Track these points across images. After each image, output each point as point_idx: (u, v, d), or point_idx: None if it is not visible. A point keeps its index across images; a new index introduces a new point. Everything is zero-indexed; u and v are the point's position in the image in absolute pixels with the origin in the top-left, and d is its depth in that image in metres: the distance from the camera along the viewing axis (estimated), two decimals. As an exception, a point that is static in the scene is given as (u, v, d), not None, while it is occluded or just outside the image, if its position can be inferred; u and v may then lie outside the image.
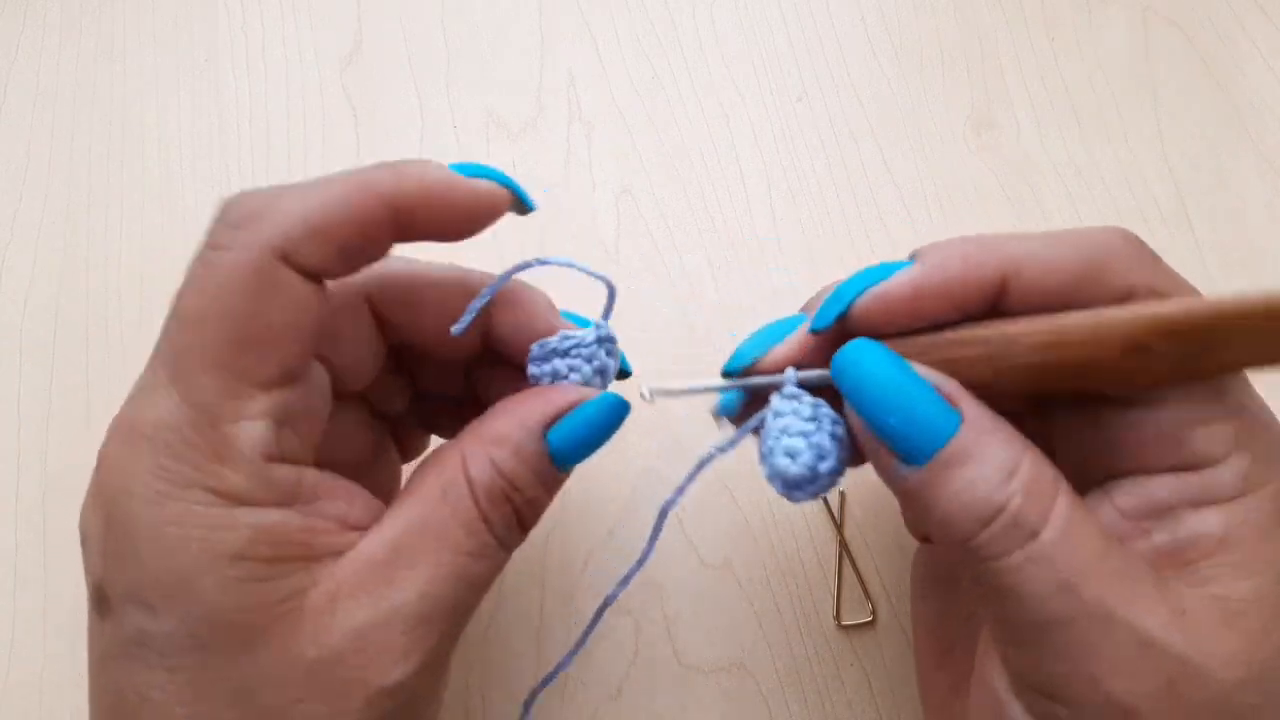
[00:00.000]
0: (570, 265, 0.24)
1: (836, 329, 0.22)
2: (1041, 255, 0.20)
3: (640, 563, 0.24)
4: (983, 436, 0.19)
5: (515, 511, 0.22)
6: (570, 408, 0.23)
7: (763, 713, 0.31)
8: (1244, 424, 0.20)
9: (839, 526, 0.33)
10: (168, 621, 0.19)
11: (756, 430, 0.23)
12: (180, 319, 0.20)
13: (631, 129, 0.40)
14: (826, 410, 0.22)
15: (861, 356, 0.21)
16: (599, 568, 0.33)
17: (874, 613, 0.32)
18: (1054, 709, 0.19)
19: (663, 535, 0.33)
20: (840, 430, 0.22)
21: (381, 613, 0.20)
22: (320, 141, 0.40)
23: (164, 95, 0.41)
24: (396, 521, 0.21)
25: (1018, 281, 0.20)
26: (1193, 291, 0.21)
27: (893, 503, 0.32)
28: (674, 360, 0.36)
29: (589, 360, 0.24)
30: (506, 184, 0.23)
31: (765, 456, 0.23)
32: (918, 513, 0.21)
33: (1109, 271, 0.20)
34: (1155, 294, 0.20)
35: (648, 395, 0.24)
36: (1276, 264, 0.36)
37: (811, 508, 0.33)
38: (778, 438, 0.22)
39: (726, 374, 0.24)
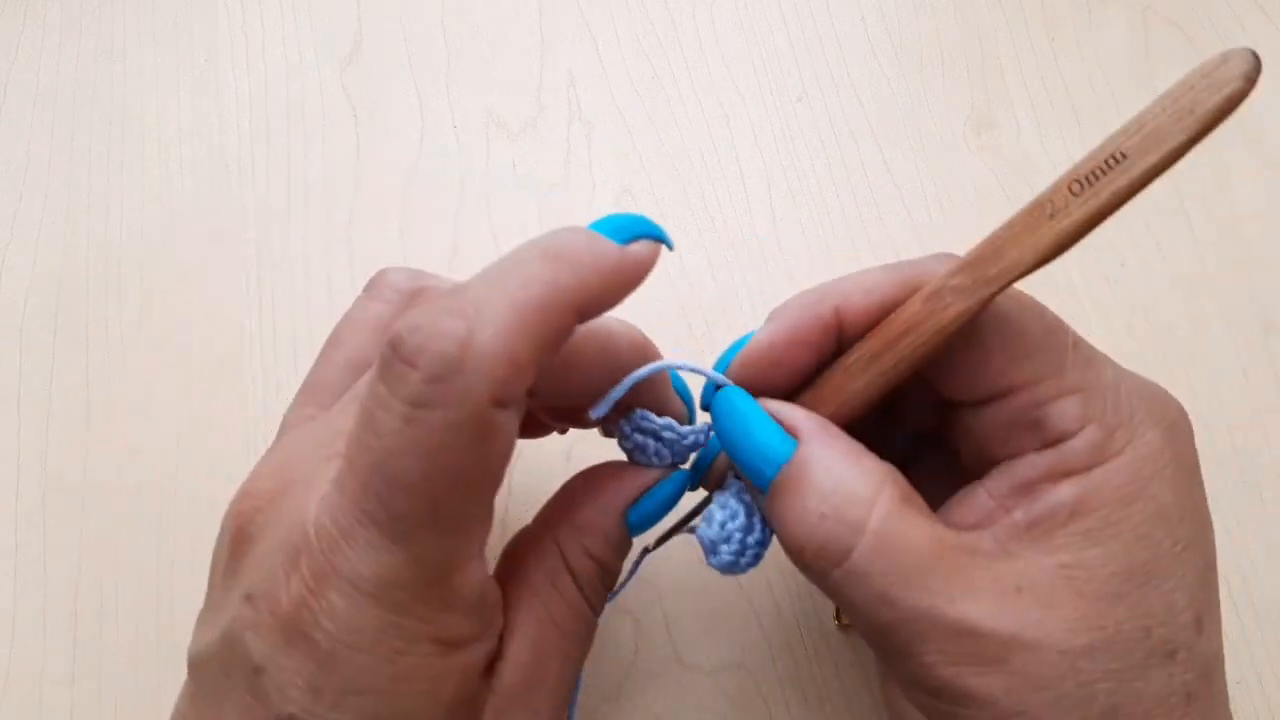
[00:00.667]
0: (721, 381, 0.24)
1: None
2: (865, 282, 0.23)
3: (612, 595, 0.26)
4: (809, 463, 0.21)
5: (607, 586, 0.25)
6: (648, 488, 0.25)
7: (763, 713, 0.31)
8: (1091, 397, 0.21)
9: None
10: None
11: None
12: (394, 482, 0.18)
13: (631, 129, 0.40)
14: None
15: (720, 399, 0.23)
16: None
17: (874, 613, 0.32)
18: (932, 702, 0.20)
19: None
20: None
21: (533, 713, 0.22)
22: (320, 141, 0.40)
23: (164, 95, 0.41)
24: (528, 621, 0.22)
25: (848, 310, 0.23)
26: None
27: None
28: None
29: (676, 454, 0.25)
30: (655, 235, 0.22)
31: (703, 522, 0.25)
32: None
33: (925, 284, 0.22)
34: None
35: (651, 548, 0.26)
36: (1277, 264, 0.36)
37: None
38: (712, 514, 0.24)
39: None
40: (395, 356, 0.18)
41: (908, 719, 0.21)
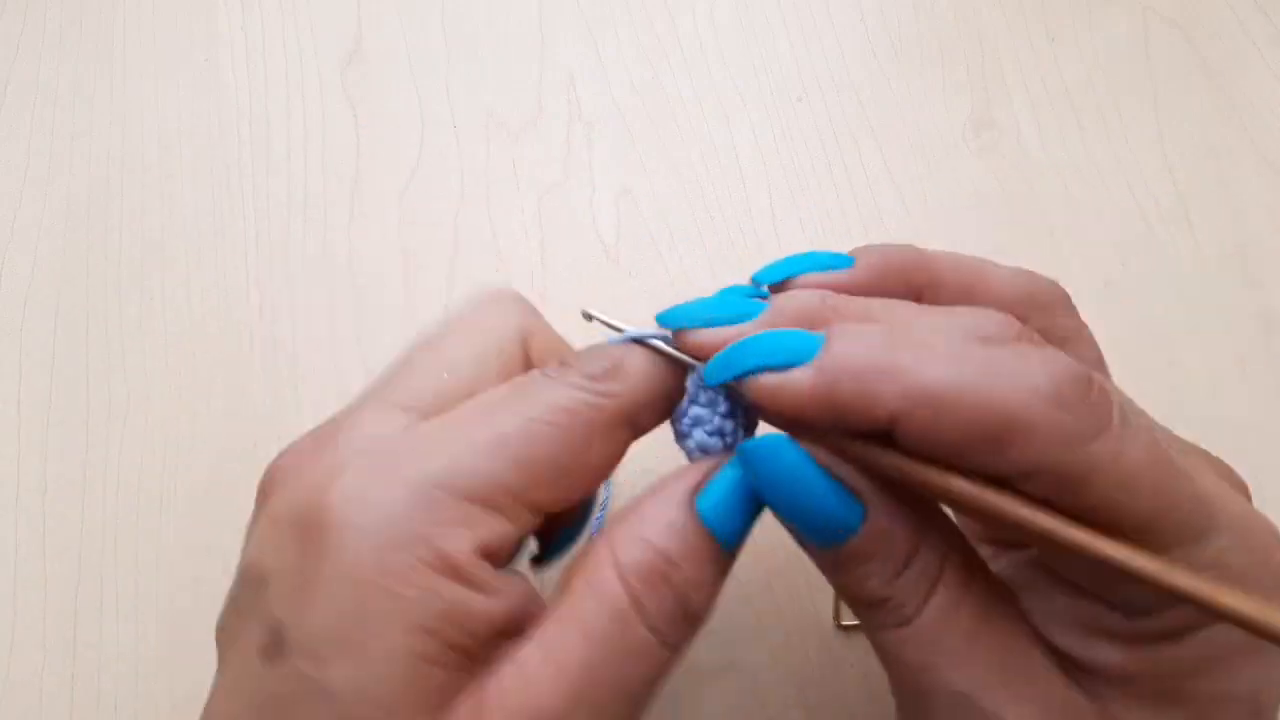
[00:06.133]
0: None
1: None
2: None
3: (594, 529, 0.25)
4: (880, 536, 0.20)
5: (676, 597, 0.20)
6: (713, 472, 0.21)
7: (762, 713, 0.31)
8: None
9: (839, 526, 0.33)
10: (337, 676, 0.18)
11: None
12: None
13: (631, 129, 0.40)
14: (740, 407, 0.22)
15: (768, 453, 0.20)
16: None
17: (874, 613, 0.32)
18: None
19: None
20: (741, 431, 0.23)
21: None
22: (320, 141, 0.40)
23: (164, 95, 0.41)
24: (547, 625, 0.19)
25: (912, 422, 0.18)
26: (1096, 360, 0.22)
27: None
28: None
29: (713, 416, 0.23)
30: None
31: (682, 438, 0.23)
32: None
33: (1015, 446, 0.17)
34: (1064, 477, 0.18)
35: (593, 316, 0.23)
36: (1276, 264, 0.36)
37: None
38: (691, 427, 0.22)
39: (664, 324, 0.23)
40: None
41: None
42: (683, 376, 0.22)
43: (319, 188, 0.39)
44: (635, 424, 0.22)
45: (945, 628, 0.19)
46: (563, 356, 0.22)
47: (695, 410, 0.22)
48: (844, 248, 0.40)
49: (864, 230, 0.38)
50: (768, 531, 0.33)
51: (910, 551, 0.20)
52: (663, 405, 0.22)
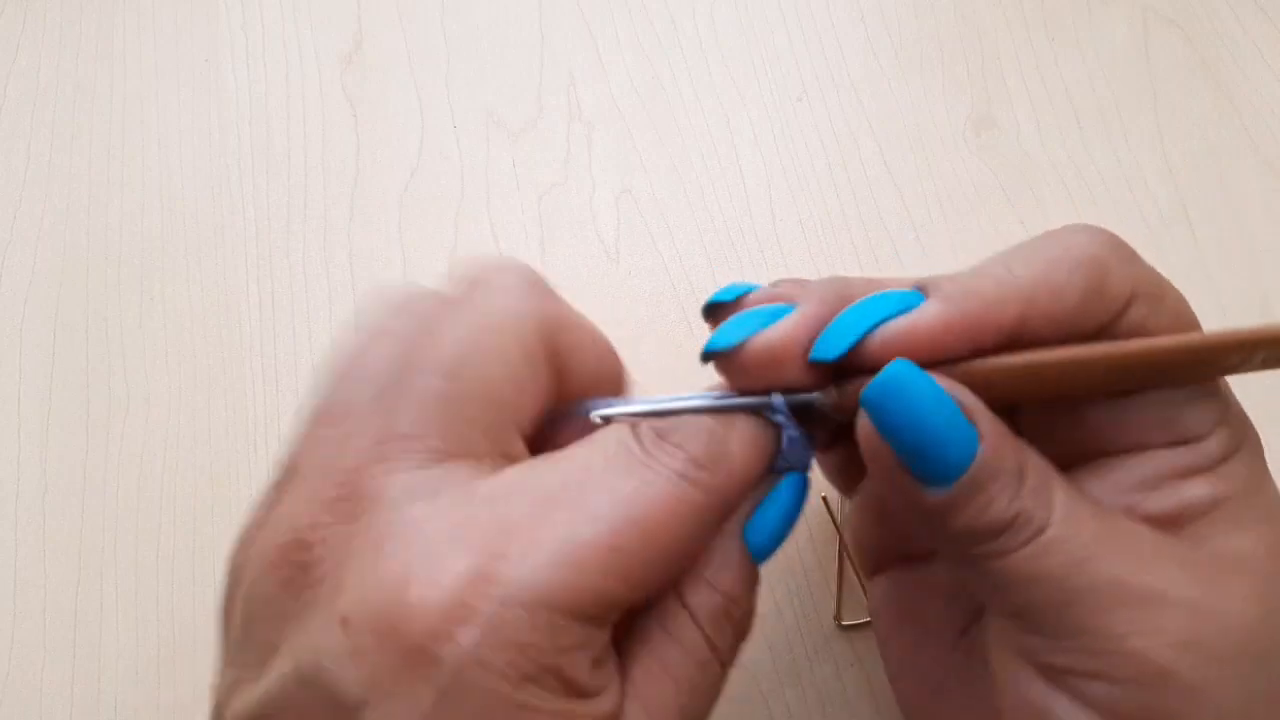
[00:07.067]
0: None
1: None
2: (1049, 284, 0.20)
3: None
4: (997, 453, 0.20)
5: (736, 629, 0.21)
6: (759, 500, 0.22)
7: (763, 713, 0.31)
8: (1221, 398, 0.21)
9: (839, 527, 0.33)
10: None
11: None
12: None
13: (631, 129, 0.40)
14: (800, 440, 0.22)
15: (906, 380, 0.20)
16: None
17: (874, 613, 0.32)
18: (1094, 688, 0.19)
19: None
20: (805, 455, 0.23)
21: None
22: (320, 141, 0.40)
23: (164, 95, 0.41)
24: (640, 678, 0.20)
25: (1033, 316, 0.20)
26: (1171, 288, 0.22)
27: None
28: (675, 359, 0.36)
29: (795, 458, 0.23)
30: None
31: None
32: (930, 529, 0.21)
33: (1109, 286, 0.21)
34: (1149, 295, 0.21)
35: (597, 419, 0.21)
36: (1276, 264, 0.36)
37: (811, 507, 0.33)
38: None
39: (709, 353, 0.23)
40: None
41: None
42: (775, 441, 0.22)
43: (319, 188, 0.39)
44: (730, 512, 0.21)
45: (1078, 523, 0.20)
46: (657, 427, 0.21)
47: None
48: (844, 248, 0.39)
49: (864, 230, 0.38)
50: (768, 531, 0.33)
51: (1024, 461, 0.20)
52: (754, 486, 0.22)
